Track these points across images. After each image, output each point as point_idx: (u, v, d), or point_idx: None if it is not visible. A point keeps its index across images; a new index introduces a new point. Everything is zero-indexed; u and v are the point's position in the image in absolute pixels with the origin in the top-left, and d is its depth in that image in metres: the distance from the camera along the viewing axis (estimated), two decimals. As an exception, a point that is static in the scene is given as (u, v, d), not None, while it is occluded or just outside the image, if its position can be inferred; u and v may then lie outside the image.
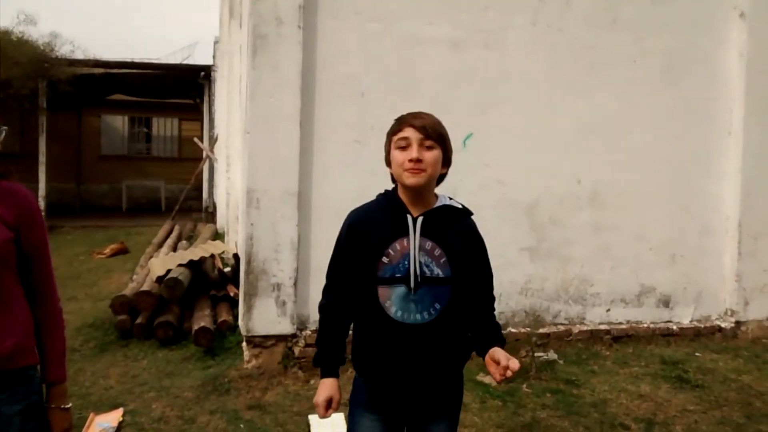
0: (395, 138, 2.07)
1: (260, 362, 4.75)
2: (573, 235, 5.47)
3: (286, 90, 4.59)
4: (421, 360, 2.09)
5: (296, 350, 4.80)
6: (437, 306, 2.07)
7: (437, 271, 2.07)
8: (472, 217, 2.22)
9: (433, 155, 2.04)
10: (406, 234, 2.07)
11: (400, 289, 2.06)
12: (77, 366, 5.06)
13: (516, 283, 5.32)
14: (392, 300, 2.07)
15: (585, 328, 5.47)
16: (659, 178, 5.63)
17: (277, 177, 4.63)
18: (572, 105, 5.38)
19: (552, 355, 5.14)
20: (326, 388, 2.18)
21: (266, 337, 4.74)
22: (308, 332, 4.82)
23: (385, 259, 2.07)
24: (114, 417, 4.13)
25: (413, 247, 2.06)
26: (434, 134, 2.05)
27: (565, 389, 4.60)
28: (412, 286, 2.05)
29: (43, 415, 2.03)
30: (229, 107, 9.78)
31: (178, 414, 4.19)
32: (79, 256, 10.46)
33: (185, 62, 17.09)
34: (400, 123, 2.08)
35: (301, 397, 4.45)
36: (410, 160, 2.01)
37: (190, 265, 6.30)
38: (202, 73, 15.19)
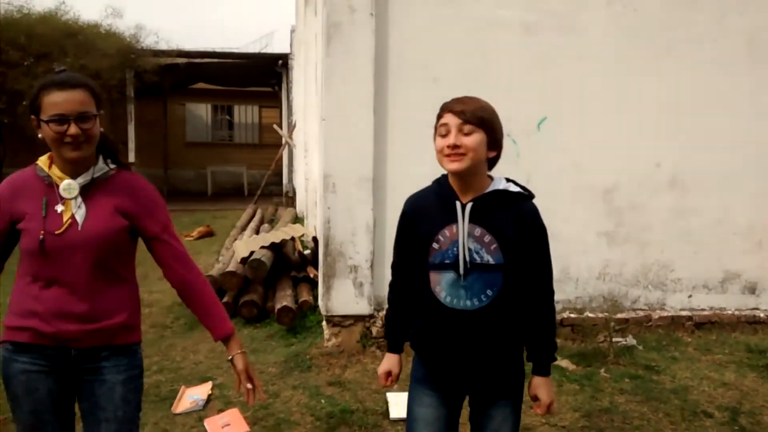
0: (437, 125, 2.11)
1: (339, 341, 4.93)
2: (652, 220, 5.38)
3: (359, 77, 4.71)
4: (472, 345, 2.13)
5: (374, 330, 4.95)
6: (489, 293, 2.09)
7: (487, 257, 2.07)
8: (536, 200, 2.16)
9: (472, 139, 2.03)
10: (455, 221, 2.09)
11: (450, 275, 2.10)
12: (169, 341, 5.38)
13: (593, 268, 5.28)
14: (442, 285, 2.12)
15: (665, 314, 5.38)
16: (743, 160, 5.44)
17: (353, 162, 4.77)
18: (649, 87, 5.27)
19: (631, 340, 5.09)
20: (388, 361, 2.36)
21: (345, 317, 4.91)
22: (385, 313, 4.95)
23: (435, 245, 2.12)
24: (203, 390, 4.38)
25: (461, 234, 2.08)
26: (473, 118, 2.04)
27: (644, 375, 4.56)
28: (461, 273, 2.08)
29: (141, 386, 2.26)
30: (305, 94, 10.02)
31: (263, 388, 4.38)
32: (168, 239, 10.96)
33: (263, 51, 17.49)
34: (442, 110, 2.11)
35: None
36: (448, 146, 2.04)
37: (272, 247, 6.54)
38: (280, 62, 15.54)
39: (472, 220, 2.08)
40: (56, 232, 2.05)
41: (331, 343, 4.93)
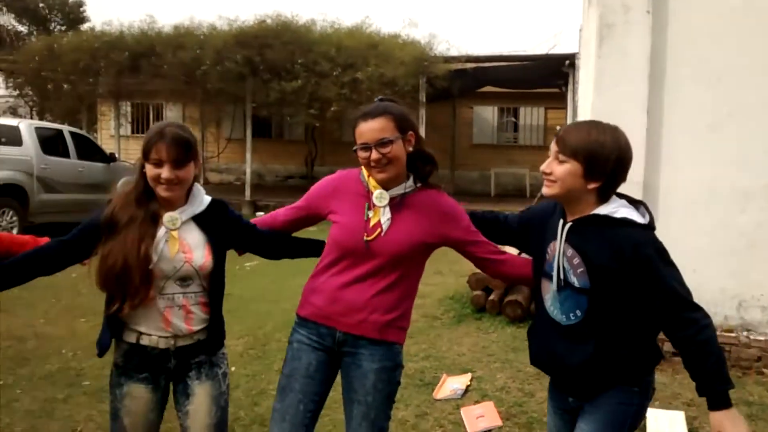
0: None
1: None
2: None
3: (633, 78, 4.56)
4: (563, 357, 2.20)
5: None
6: (578, 313, 2.15)
7: (573, 279, 2.14)
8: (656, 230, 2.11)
9: (563, 169, 2.11)
10: (556, 238, 2.20)
11: (552, 286, 2.22)
12: (437, 332, 5.74)
13: None
14: (548, 294, 2.26)
15: None
16: None
17: (622, 166, 4.62)
18: None
19: None
20: None
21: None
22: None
23: (547, 256, 2.24)
24: (463, 380, 4.63)
25: (558, 253, 2.17)
26: (567, 149, 2.10)
27: None
28: (555, 288, 2.19)
29: (395, 379, 2.46)
30: (585, 95, 9.81)
31: (519, 386, 4.52)
32: (448, 236, 11.51)
33: (552, 52, 17.39)
34: (556, 134, 2.18)
35: (665, 386, 4.43)
36: (542, 171, 2.15)
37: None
38: (567, 62, 15.32)
39: (568, 240, 2.16)
40: (369, 239, 2.37)
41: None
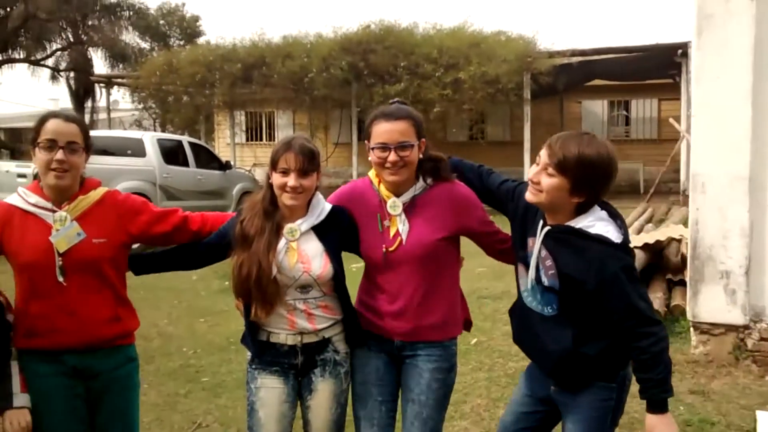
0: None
1: (708, 349, 4.69)
2: None
3: (735, 68, 4.39)
4: (545, 343, 2.32)
5: (749, 342, 4.59)
6: (553, 306, 2.29)
7: (545, 279, 2.28)
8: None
9: (551, 183, 2.18)
10: (535, 235, 2.31)
11: (529, 277, 2.35)
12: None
13: None
14: (523, 279, 2.40)
15: None
16: None
17: (725, 160, 4.47)
18: None
19: None
20: None
21: (714, 325, 4.65)
22: (764, 325, 4.55)
23: (527, 247, 2.35)
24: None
25: (536, 250, 2.29)
26: (557, 164, 2.15)
27: None
28: (532, 281, 2.32)
29: (449, 379, 2.56)
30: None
31: (620, 387, 4.46)
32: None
33: (665, 42, 16.71)
34: (548, 142, 2.25)
35: (752, 391, 4.28)
36: (530, 179, 2.25)
37: (649, 248, 6.41)
38: (680, 51, 14.70)
39: (544, 242, 2.27)
40: (390, 249, 2.48)
41: (699, 351, 4.72)
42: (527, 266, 2.36)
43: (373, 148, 2.45)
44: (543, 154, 2.22)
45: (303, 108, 17.19)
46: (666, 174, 14.76)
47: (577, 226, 2.22)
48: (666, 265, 6.35)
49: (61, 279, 2.38)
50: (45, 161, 2.37)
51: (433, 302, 2.51)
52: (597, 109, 20.36)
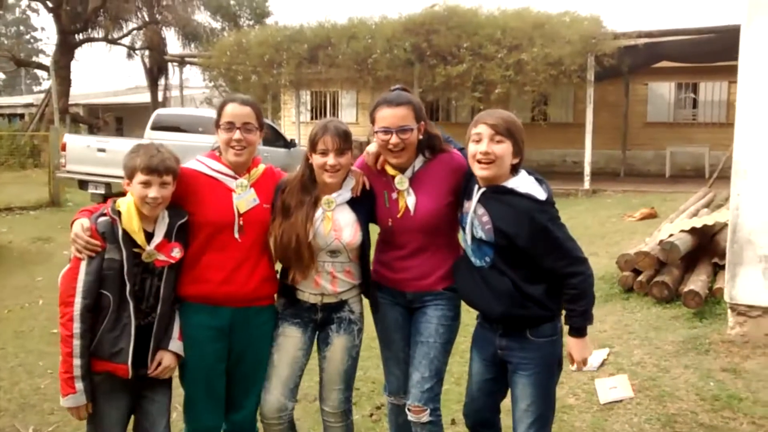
0: (470, 133, 2.65)
1: (744, 331, 4.82)
2: None
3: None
4: (483, 294, 2.66)
5: (787, 325, 4.70)
6: (487, 259, 2.65)
7: (481, 234, 2.63)
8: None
9: (501, 148, 2.56)
10: (470, 199, 2.67)
11: (465, 236, 2.72)
12: (582, 310, 5.93)
13: None
14: (462, 240, 2.77)
15: None
16: None
17: (767, 147, 4.56)
18: None
19: None
20: None
21: (751, 307, 4.78)
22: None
23: (463, 210, 2.74)
24: (600, 354, 4.85)
25: (471, 209, 2.66)
26: (502, 130, 2.56)
27: None
28: (468, 238, 2.69)
29: (453, 326, 2.92)
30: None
31: (655, 362, 4.66)
32: (611, 218, 11.33)
33: (736, 23, 16.23)
34: (475, 121, 2.64)
35: None
36: (480, 152, 2.56)
37: (697, 231, 6.49)
38: (751, 33, 14.29)
39: (480, 201, 2.63)
40: (397, 217, 2.85)
41: (735, 332, 4.85)
42: (463, 226, 2.73)
43: (377, 132, 2.78)
44: (483, 128, 2.58)
45: (366, 88, 17.44)
46: (731, 159, 14.43)
47: (509, 186, 2.60)
48: (714, 249, 6.42)
49: (237, 236, 2.78)
50: (226, 140, 2.80)
51: (437, 259, 2.87)
52: (664, 91, 19.92)
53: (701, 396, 4.14)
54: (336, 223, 2.82)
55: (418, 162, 2.87)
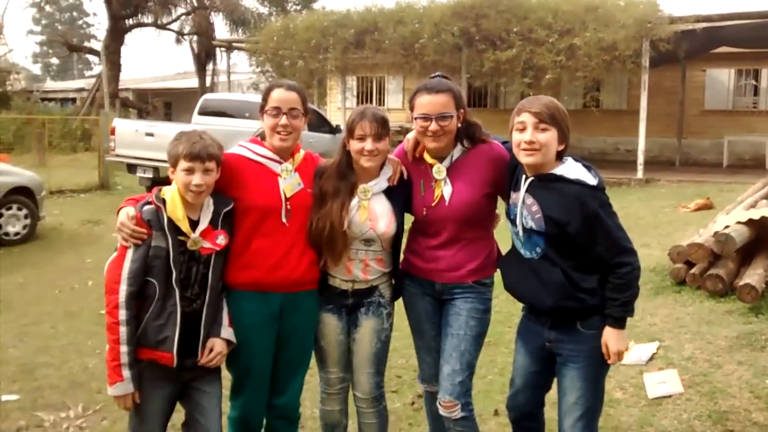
0: (514, 122, 2.57)
1: (805, 327, 4.58)
2: None
3: None
4: (533, 286, 2.58)
5: None
6: (538, 250, 2.56)
7: (531, 224, 2.55)
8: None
9: (546, 136, 2.49)
10: (518, 190, 2.61)
11: (516, 228, 2.64)
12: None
13: None
14: (512, 232, 2.69)
15: None
16: None
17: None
18: None
19: None
20: None
21: (813, 302, 4.54)
22: None
23: (510, 201, 2.68)
24: (649, 348, 4.68)
25: (520, 199, 2.59)
26: (546, 117, 2.48)
27: None
28: (519, 230, 2.61)
29: (484, 320, 2.85)
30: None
31: (707, 358, 4.48)
32: (665, 208, 11.02)
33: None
34: (518, 110, 2.56)
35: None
36: (525, 141, 2.49)
37: (755, 224, 6.20)
38: (821, 15, 13.65)
39: (529, 191, 2.56)
40: (432, 205, 2.78)
41: (794, 327, 4.62)
42: (512, 218, 2.63)
43: (416, 118, 2.73)
44: (527, 117, 2.49)
45: (413, 74, 17.27)
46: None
47: (558, 173, 2.53)
48: (774, 241, 6.14)
49: (284, 220, 2.77)
50: (272, 125, 2.77)
51: (469, 251, 2.80)
52: (723, 77, 19.25)
53: (755, 394, 3.95)
54: (372, 212, 2.79)
55: (457, 151, 2.82)
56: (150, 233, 2.57)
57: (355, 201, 2.77)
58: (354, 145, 2.74)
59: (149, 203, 2.62)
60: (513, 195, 2.67)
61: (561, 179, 2.52)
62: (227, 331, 2.72)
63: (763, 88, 18.88)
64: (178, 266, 2.58)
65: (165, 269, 2.57)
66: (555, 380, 2.76)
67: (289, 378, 2.92)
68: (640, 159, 14.94)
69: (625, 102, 19.27)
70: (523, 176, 2.62)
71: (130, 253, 2.56)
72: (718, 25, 14.80)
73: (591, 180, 2.51)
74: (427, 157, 2.84)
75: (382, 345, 2.95)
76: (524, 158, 2.54)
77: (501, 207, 2.89)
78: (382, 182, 2.82)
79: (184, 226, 2.60)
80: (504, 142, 2.82)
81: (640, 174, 14.75)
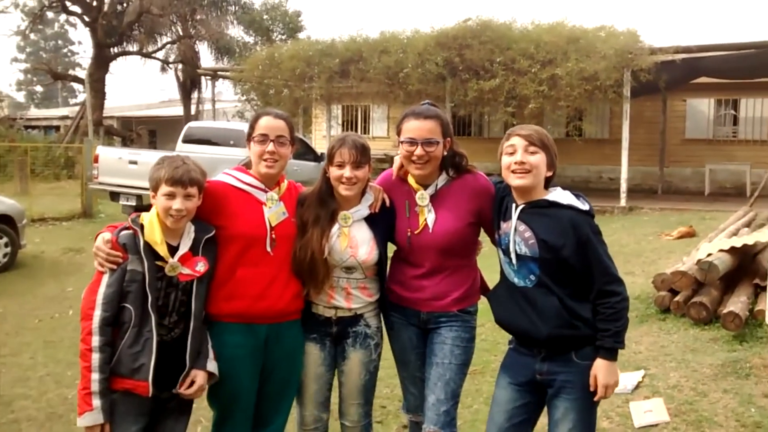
0: (504, 146, 2.59)
1: (789, 355, 4.59)
2: None
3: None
4: (526, 316, 2.53)
5: (834, 350, 4.45)
6: (532, 277, 2.53)
7: (525, 250, 2.53)
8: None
9: (536, 159, 2.51)
10: (510, 218, 2.59)
11: (506, 258, 2.61)
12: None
13: None
14: (504, 262, 2.64)
15: None
16: None
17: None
18: None
19: None
20: None
21: (795, 330, 4.55)
22: None
23: (500, 231, 2.65)
24: (635, 377, 4.66)
25: (512, 227, 2.57)
26: (536, 141, 2.51)
27: None
28: (512, 258, 2.57)
29: (469, 348, 2.83)
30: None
31: (692, 386, 4.46)
32: (648, 236, 11.06)
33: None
34: (509, 134, 2.59)
35: None
36: (515, 162, 2.51)
37: (738, 252, 6.24)
38: (794, 48, 13.93)
39: (520, 218, 2.55)
40: (415, 232, 2.77)
41: (778, 356, 4.62)
42: (504, 248, 2.59)
43: (402, 142, 2.73)
44: (517, 140, 2.51)
45: (397, 102, 17.35)
46: (771, 177, 14.02)
47: (550, 199, 2.55)
48: (755, 270, 6.17)
49: (269, 249, 2.72)
50: (258, 152, 2.75)
51: (453, 281, 2.79)
52: (703, 107, 19.52)
53: (741, 422, 3.94)
54: (353, 239, 2.77)
55: (441, 180, 2.82)
56: (126, 257, 2.52)
57: (335, 228, 2.76)
58: (333, 172, 2.74)
59: (127, 228, 2.59)
60: (503, 225, 2.66)
61: (554, 204, 2.54)
62: (212, 364, 2.66)
63: (742, 117, 19.15)
64: (154, 291, 2.52)
65: (141, 294, 2.51)
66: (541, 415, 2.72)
67: (274, 410, 2.87)
68: (623, 187, 15.05)
69: (607, 131, 19.45)
70: (513, 204, 2.62)
71: (105, 278, 2.52)
72: (698, 56, 15.04)
73: (583, 206, 2.54)
74: (411, 181, 2.84)
75: (371, 376, 2.92)
76: (514, 180, 2.54)
77: (483, 235, 2.89)
78: (363, 209, 2.81)
79: (162, 250, 2.55)
80: (489, 175, 2.83)
81: (623, 202, 14.84)
